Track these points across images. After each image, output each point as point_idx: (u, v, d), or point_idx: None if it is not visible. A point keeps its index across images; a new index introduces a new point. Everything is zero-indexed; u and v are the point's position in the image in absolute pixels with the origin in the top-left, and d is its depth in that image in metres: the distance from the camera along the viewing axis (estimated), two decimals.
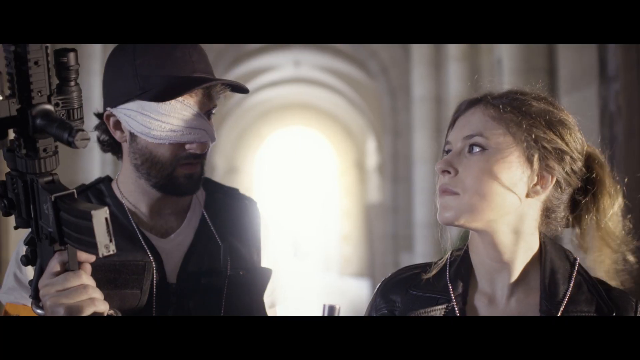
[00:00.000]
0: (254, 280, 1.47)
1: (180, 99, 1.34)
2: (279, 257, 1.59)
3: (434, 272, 1.25)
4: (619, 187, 1.22)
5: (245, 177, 16.61)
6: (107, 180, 1.50)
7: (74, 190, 1.08)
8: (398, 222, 9.53)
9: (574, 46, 3.42)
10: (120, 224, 1.42)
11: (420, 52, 8.65)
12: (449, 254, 1.28)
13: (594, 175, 1.20)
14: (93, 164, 5.43)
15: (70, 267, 1.14)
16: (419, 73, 8.65)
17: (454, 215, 1.16)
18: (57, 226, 1.07)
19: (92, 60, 5.04)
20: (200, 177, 1.42)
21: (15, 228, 1.18)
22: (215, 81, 1.38)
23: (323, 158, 18.07)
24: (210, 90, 1.39)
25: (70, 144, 1.00)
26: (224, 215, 1.51)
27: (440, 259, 1.28)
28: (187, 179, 1.39)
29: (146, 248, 1.40)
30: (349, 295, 13.55)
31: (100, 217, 1.02)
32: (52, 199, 1.06)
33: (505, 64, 5.30)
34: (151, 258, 1.39)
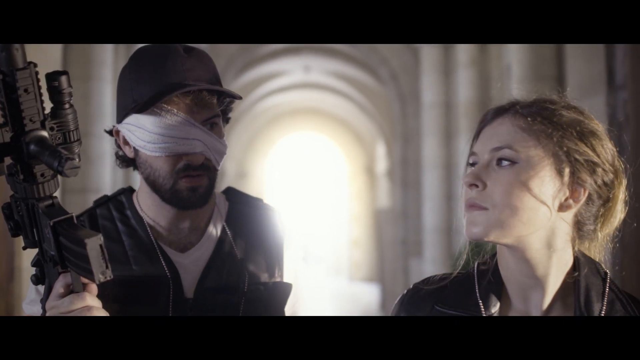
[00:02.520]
0: (272, 295, 1.44)
1: (169, 108, 1.31)
2: (299, 269, 1.55)
3: (458, 285, 1.21)
4: (626, 208, 1.18)
5: (255, 181, 16.61)
6: (128, 191, 1.48)
7: (73, 215, 1.07)
8: (408, 227, 9.50)
9: (582, 55, 3.41)
10: (139, 237, 1.40)
11: (429, 58, 8.65)
12: (475, 266, 1.23)
13: (614, 190, 1.15)
14: (104, 170, 5.46)
15: (74, 288, 1.13)
16: (428, 79, 8.65)
17: (482, 231, 1.11)
18: (57, 250, 1.07)
19: (104, 67, 5.06)
20: (208, 190, 1.37)
21: (24, 248, 1.18)
22: (191, 87, 1.31)
23: (333, 163, 18.05)
24: (202, 97, 1.33)
25: (60, 172, 1.00)
26: (246, 228, 1.48)
27: (463, 272, 1.23)
28: (190, 192, 1.35)
29: (164, 263, 1.38)
30: (359, 300, 13.53)
31: (94, 244, 1.01)
32: (51, 224, 1.06)
33: (514, 71, 5.29)
34: (168, 273, 1.37)
